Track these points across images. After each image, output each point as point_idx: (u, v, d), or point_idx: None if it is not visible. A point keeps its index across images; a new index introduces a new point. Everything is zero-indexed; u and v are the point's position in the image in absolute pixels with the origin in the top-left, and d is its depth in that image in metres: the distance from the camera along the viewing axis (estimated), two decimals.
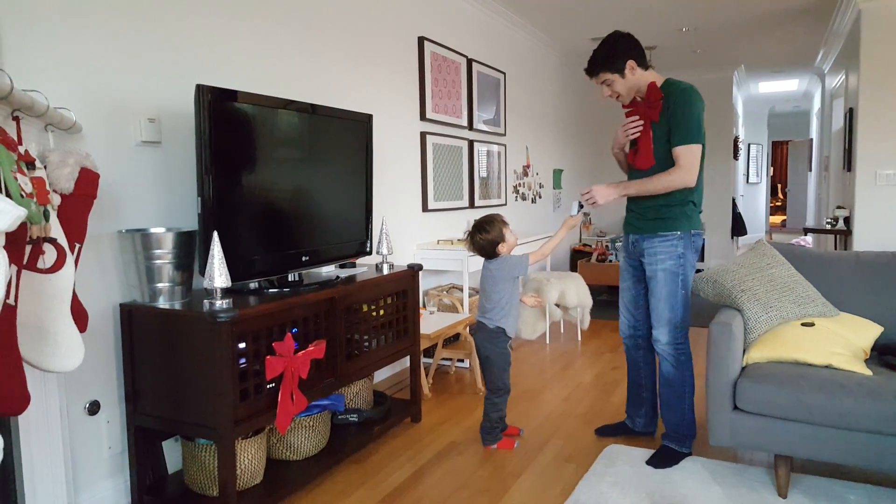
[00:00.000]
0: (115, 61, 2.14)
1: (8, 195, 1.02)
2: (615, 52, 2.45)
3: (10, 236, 0.94)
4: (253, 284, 2.38)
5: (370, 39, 3.53)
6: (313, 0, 3.08)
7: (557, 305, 4.53)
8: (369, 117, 2.89)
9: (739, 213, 8.46)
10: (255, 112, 2.27)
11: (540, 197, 6.22)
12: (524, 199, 5.83)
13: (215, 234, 1.99)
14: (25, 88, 1.64)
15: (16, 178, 1.04)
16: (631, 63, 2.44)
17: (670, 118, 2.38)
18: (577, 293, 4.51)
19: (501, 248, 2.61)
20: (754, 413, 2.17)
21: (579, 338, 4.66)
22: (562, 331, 4.85)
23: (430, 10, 4.14)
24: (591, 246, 6.94)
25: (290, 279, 2.48)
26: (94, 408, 2.10)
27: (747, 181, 11.15)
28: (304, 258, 2.50)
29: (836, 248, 5.68)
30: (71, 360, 1.44)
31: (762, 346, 2.31)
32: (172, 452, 2.35)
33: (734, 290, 2.47)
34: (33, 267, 1.32)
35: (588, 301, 4.61)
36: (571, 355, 4.26)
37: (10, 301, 0.96)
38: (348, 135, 2.79)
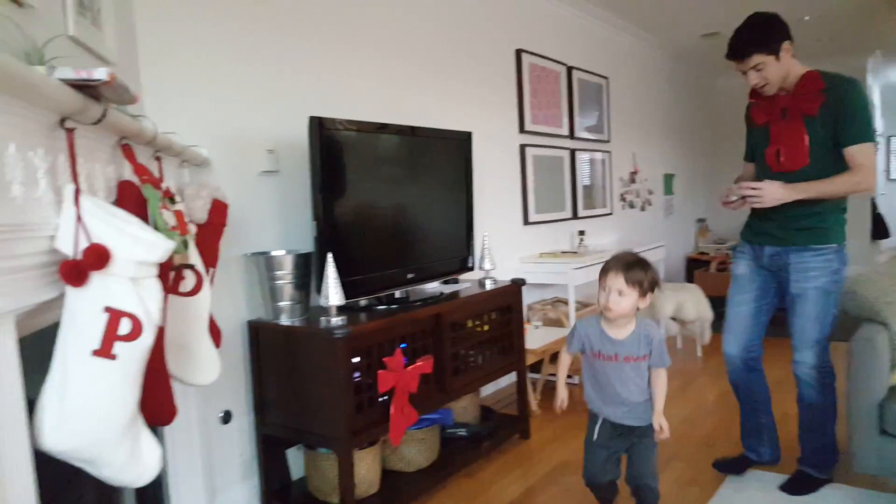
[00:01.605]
0: (237, 101, 2.33)
1: (156, 229, 1.15)
2: (770, 31, 2.17)
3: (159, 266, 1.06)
4: (363, 302, 2.49)
5: (467, 57, 3.60)
6: (412, 27, 3.19)
7: (674, 319, 4.32)
8: (468, 135, 2.94)
9: (880, 214, 7.64)
10: (361, 138, 2.39)
11: (650, 204, 5.99)
12: (632, 206, 5.64)
13: (329, 255, 2.11)
14: (164, 131, 1.84)
15: (161, 214, 1.17)
16: (787, 45, 2.17)
17: (837, 114, 2.11)
18: (695, 306, 4.27)
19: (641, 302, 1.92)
20: None
21: (699, 353, 4.41)
22: (679, 346, 4.61)
23: (527, 22, 4.14)
24: (709, 254, 6.55)
25: (396, 296, 2.57)
26: (226, 417, 2.28)
27: (888, 178, 10.06)
28: (409, 276, 2.58)
29: None
30: (209, 374, 1.58)
31: None
32: (296, 460, 2.49)
33: (877, 303, 2.23)
34: (175, 291, 1.47)
35: (708, 314, 4.35)
36: (690, 373, 4.04)
37: (160, 322, 1.08)
38: (448, 153, 2.86)
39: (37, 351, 0.99)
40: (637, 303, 1.88)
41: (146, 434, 1.09)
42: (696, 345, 4.44)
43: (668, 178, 6.42)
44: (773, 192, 2.15)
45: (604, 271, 1.92)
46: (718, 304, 5.37)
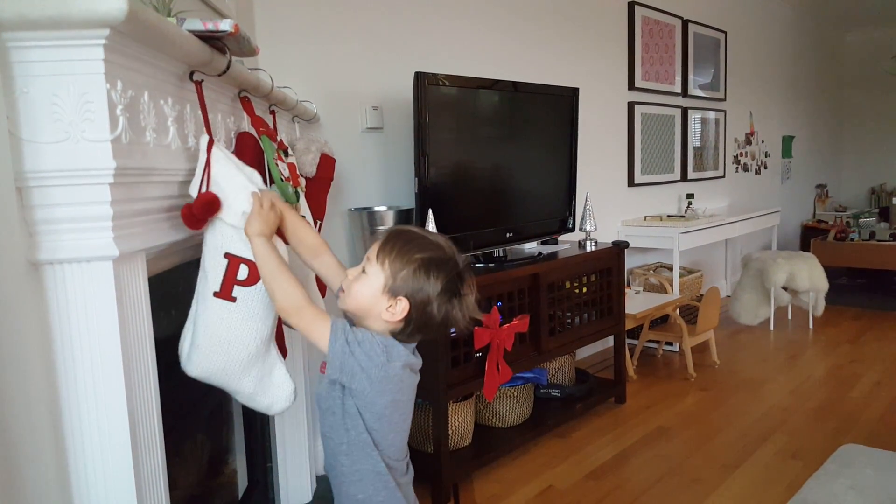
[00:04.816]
0: (345, 58, 2.37)
1: (271, 178, 1.20)
2: None
3: None
4: None
5: (576, 11, 3.45)
6: None
7: (785, 289, 4.05)
8: (574, 91, 2.84)
9: None
10: (464, 94, 2.37)
11: (765, 167, 5.57)
12: (746, 169, 5.27)
13: (430, 211, 2.13)
14: (278, 86, 1.91)
15: (276, 165, 1.23)
16: None
17: None
18: (809, 276, 3.99)
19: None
20: None
21: (811, 325, 4.12)
22: (789, 317, 4.33)
23: None
24: (827, 223, 6.04)
25: (495, 255, 2.56)
26: None
27: None
28: (508, 234, 2.56)
29: None
30: None
31: None
32: None
33: None
34: (288, 241, 1.54)
35: (823, 285, 4.06)
36: (800, 345, 3.81)
37: None
38: (552, 110, 2.78)
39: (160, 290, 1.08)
40: (381, 300, 1.07)
41: (280, 369, 1.16)
42: (808, 316, 4.15)
43: (787, 140, 5.93)
44: None
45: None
46: (834, 274, 4.94)
